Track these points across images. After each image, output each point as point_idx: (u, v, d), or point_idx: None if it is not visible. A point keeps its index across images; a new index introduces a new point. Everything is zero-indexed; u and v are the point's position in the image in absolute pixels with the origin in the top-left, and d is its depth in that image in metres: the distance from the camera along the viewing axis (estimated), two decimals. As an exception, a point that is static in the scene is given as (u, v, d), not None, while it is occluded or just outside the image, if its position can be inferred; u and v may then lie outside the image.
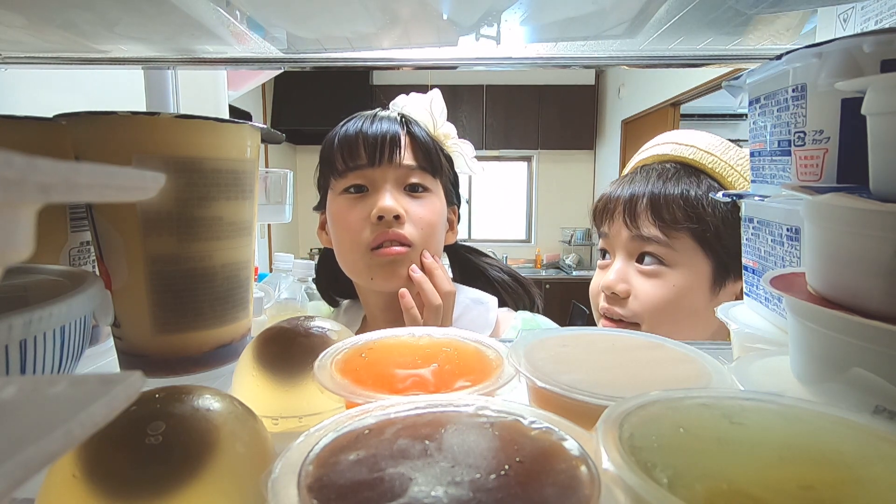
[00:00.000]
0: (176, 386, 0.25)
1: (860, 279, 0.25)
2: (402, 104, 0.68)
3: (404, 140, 0.63)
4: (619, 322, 0.64)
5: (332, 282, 0.77)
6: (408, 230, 0.61)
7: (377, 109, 0.67)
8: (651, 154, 0.70)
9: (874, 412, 0.23)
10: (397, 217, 0.60)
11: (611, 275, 0.64)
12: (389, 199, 0.60)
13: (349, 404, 0.27)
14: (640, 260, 0.64)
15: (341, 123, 0.65)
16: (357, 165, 0.62)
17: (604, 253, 0.70)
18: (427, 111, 0.67)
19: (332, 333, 0.36)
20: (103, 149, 0.39)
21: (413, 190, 0.63)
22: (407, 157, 0.63)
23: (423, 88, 0.71)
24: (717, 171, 0.64)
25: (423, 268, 0.62)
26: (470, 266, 0.76)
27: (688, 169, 0.65)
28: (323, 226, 0.71)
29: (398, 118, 0.65)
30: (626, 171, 0.74)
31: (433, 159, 0.65)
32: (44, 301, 0.29)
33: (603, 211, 0.68)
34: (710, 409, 0.22)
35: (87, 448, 0.21)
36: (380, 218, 0.60)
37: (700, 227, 0.61)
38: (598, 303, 0.67)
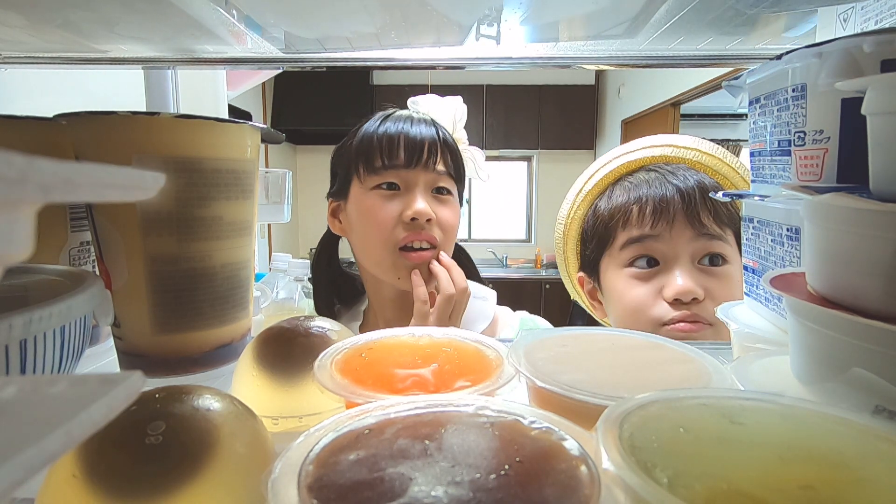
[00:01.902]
0: (176, 386, 0.25)
1: (860, 279, 0.25)
2: (426, 106, 0.70)
3: (439, 146, 0.66)
4: (696, 324, 0.58)
5: (335, 286, 0.78)
6: (435, 231, 0.64)
7: (412, 112, 0.69)
8: (642, 156, 0.67)
9: (874, 412, 0.23)
10: (429, 220, 0.63)
11: (681, 280, 0.58)
12: (423, 202, 0.63)
13: (349, 404, 0.27)
14: (703, 261, 0.60)
15: (377, 120, 0.67)
16: (394, 165, 0.64)
17: (643, 260, 0.62)
18: (450, 116, 0.69)
19: (332, 333, 0.36)
20: (103, 149, 0.39)
21: (439, 193, 0.66)
22: (439, 164, 0.65)
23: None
24: (721, 172, 0.64)
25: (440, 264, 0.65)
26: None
27: (694, 169, 0.64)
28: (335, 213, 0.72)
29: (433, 124, 0.67)
30: (601, 174, 0.69)
31: (459, 166, 0.68)
32: (44, 301, 0.29)
33: (653, 213, 0.61)
34: (710, 409, 0.22)
35: (87, 448, 0.21)
36: (413, 219, 0.62)
37: (739, 223, 0.59)
38: (655, 313, 0.60)
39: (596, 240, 0.68)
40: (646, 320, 0.61)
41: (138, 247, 0.39)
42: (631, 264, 0.63)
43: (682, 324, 0.59)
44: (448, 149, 0.67)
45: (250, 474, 0.22)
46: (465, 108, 0.71)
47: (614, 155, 0.71)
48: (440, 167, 0.66)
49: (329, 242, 0.78)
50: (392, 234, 0.63)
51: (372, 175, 0.65)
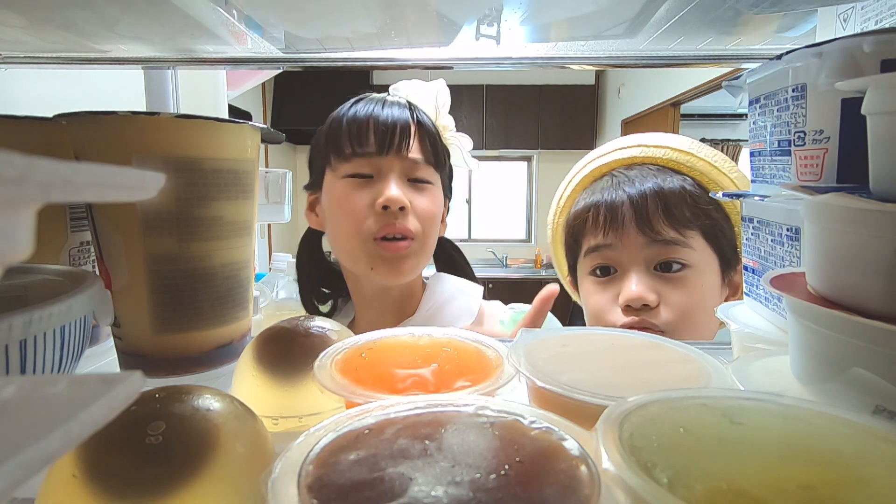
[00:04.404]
0: (176, 386, 0.25)
1: (860, 279, 0.25)
2: (406, 91, 0.65)
3: (413, 130, 0.61)
4: (646, 330, 0.58)
5: (321, 276, 0.74)
6: (411, 222, 0.60)
7: (385, 95, 0.65)
8: (613, 158, 0.66)
9: (874, 412, 0.23)
10: (402, 208, 0.58)
11: (633, 286, 0.58)
12: (396, 189, 0.58)
13: (349, 404, 0.27)
14: (658, 267, 0.59)
15: (349, 103, 0.63)
16: (365, 152, 0.59)
17: (599, 269, 0.63)
18: (432, 101, 0.65)
19: (332, 333, 0.36)
20: (103, 149, 0.39)
21: (417, 182, 0.62)
22: (414, 150, 0.61)
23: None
24: (696, 168, 0.62)
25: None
26: (452, 262, 0.76)
27: (664, 170, 0.63)
28: (312, 206, 0.68)
29: (407, 105, 0.63)
30: (577, 178, 0.69)
31: (439, 153, 0.63)
32: (44, 301, 0.29)
33: (604, 222, 0.61)
34: (710, 409, 0.22)
35: (87, 448, 0.21)
36: (385, 208, 0.58)
37: (709, 222, 0.59)
38: (611, 319, 0.61)
39: (568, 246, 0.69)
40: (604, 326, 0.62)
41: (138, 247, 0.39)
42: (592, 272, 0.64)
43: (632, 330, 0.58)
44: (425, 133, 0.62)
45: (250, 474, 0.22)
46: (447, 91, 0.65)
47: (588, 160, 0.70)
48: (415, 154, 0.61)
49: (311, 239, 0.74)
50: (365, 225, 0.59)
51: (342, 163, 0.61)
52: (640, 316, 0.59)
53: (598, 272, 0.63)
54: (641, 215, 0.59)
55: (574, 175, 0.70)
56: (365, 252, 0.60)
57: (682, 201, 0.59)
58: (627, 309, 0.59)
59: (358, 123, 0.60)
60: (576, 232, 0.66)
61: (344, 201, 0.60)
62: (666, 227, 0.59)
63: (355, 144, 0.59)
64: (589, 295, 0.65)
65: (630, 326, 0.59)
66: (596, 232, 0.62)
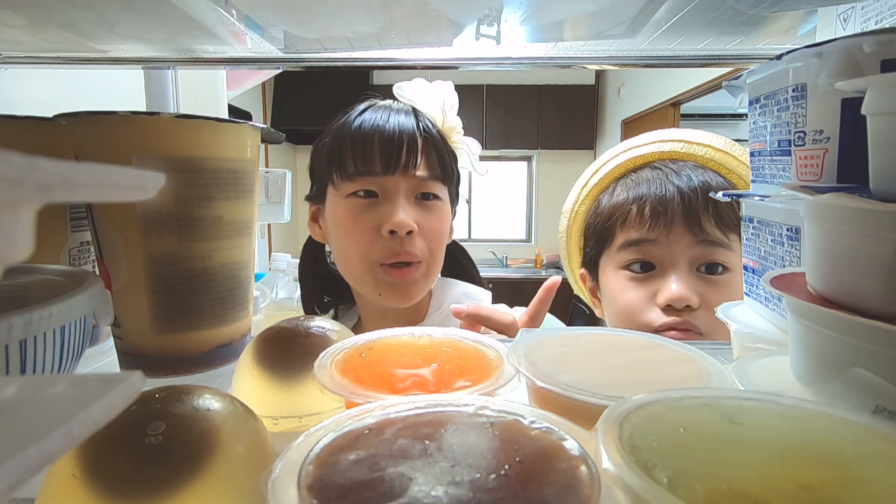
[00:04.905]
0: (176, 386, 0.25)
1: (860, 279, 0.25)
2: (411, 94, 0.64)
3: (420, 145, 0.59)
4: (687, 332, 0.56)
5: (324, 284, 0.73)
6: (418, 245, 0.59)
7: (390, 102, 0.63)
8: (651, 150, 0.64)
9: (874, 412, 0.23)
10: (409, 232, 0.57)
11: (675, 285, 0.56)
12: (403, 213, 0.57)
13: (349, 404, 0.27)
14: (701, 268, 0.57)
15: (354, 113, 0.61)
16: (370, 171, 0.58)
17: (638, 264, 0.60)
18: (438, 103, 0.63)
19: (332, 333, 0.36)
20: (103, 149, 0.39)
21: (424, 198, 0.61)
22: (421, 167, 0.59)
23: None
24: (736, 171, 0.60)
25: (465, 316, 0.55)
26: (458, 265, 0.75)
27: (706, 169, 0.61)
28: (315, 218, 0.67)
29: (413, 114, 0.61)
30: (607, 167, 0.67)
31: (446, 166, 0.62)
32: (44, 301, 0.29)
33: (651, 215, 0.58)
34: (710, 409, 0.22)
35: (87, 448, 0.21)
36: (392, 232, 0.57)
37: None
38: (647, 318, 0.58)
39: (596, 237, 0.66)
40: (638, 325, 0.60)
41: (138, 247, 0.39)
42: (627, 267, 0.61)
43: (672, 331, 0.57)
44: (432, 144, 0.60)
45: (250, 474, 0.22)
46: (455, 94, 0.64)
47: (622, 148, 0.68)
48: (422, 172, 0.59)
49: (313, 245, 0.73)
50: (371, 250, 0.58)
51: (346, 181, 0.59)
52: (683, 317, 0.56)
53: (635, 267, 0.61)
54: (691, 213, 0.57)
55: (603, 164, 0.68)
56: (372, 278, 0.59)
57: (727, 202, 0.57)
58: (668, 309, 0.57)
59: (362, 139, 0.58)
60: (611, 224, 0.63)
61: (349, 224, 0.59)
62: (713, 228, 0.56)
63: (359, 163, 0.58)
64: (621, 291, 0.62)
65: (671, 327, 0.57)
66: (640, 226, 0.60)
